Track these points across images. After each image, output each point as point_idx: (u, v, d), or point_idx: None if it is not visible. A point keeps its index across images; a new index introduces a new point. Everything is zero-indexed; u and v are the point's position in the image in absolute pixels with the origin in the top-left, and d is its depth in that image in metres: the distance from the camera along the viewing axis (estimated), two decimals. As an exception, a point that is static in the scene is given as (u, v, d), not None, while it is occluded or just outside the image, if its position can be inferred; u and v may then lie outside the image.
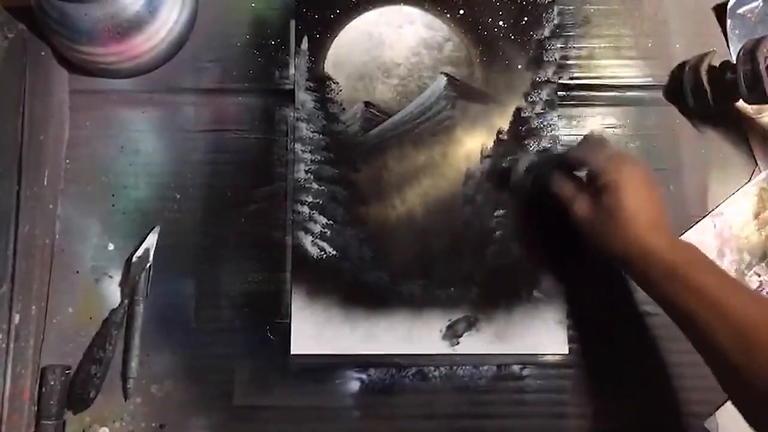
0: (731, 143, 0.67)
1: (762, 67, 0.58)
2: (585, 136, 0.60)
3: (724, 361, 0.49)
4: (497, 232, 0.64)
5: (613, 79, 0.68)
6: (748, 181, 0.66)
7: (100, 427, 0.60)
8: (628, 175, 0.54)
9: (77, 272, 0.63)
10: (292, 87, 0.66)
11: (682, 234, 0.65)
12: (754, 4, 0.68)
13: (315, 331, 0.62)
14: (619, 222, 0.54)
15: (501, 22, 0.67)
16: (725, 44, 0.68)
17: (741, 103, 0.63)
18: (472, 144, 0.66)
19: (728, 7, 0.68)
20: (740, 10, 0.68)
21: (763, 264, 0.65)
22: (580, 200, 0.56)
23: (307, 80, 0.66)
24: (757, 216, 0.66)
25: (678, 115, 0.67)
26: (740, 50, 0.60)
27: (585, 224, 0.56)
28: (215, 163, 0.65)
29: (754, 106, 0.66)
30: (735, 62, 0.61)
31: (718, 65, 0.64)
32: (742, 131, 0.67)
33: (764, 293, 0.64)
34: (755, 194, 0.66)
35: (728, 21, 0.68)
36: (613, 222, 0.54)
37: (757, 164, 0.66)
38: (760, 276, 0.65)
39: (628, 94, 0.68)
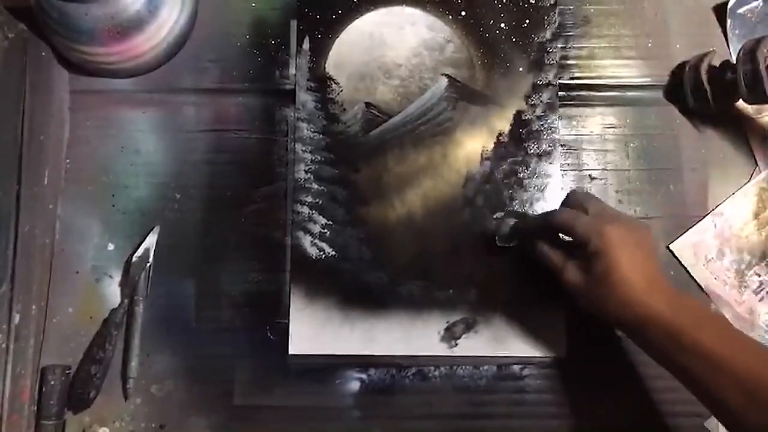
0: (731, 143, 0.67)
1: (762, 67, 0.58)
2: (568, 194, 0.60)
3: (735, 421, 0.48)
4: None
5: (613, 79, 0.68)
6: (748, 181, 0.66)
7: (100, 427, 0.60)
8: (615, 237, 0.52)
9: (77, 272, 0.63)
10: (293, 87, 0.66)
11: (682, 234, 0.65)
12: (754, 4, 0.69)
13: (314, 331, 0.62)
14: (613, 289, 0.52)
15: (503, 24, 0.67)
16: (725, 44, 0.68)
17: (741, 103, 0.63)
18: (473, 146, 0.66)
19: (728, 7, 0.68)
20: (740, 10, 0.68)
21: (763, 264, 0.65)
22: (570, 269, 0.55)
23: (308, 80, 0.66)
24: (757, 216, 0.66)
25: (678, 115, 0.67)
26: (740, 50, 0.60)
27: (577, 293, 0.55)
28: (215, 163, 0.65)
29: (754, 106, 0.66)
30: (735, 62, 0.61)
31: (718, 65, 0.64)
32: (742, 131, 0.67)
33: (764, 293, 0.64)
34: (755, 194, 0.66)
35: (728, 21, 0.68)
36: (606, 289, 0.52)
37: (757, 164, 0.66)
38: (760, 276, 0.65)
39: (628, 94, 0.68)
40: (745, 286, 0.64)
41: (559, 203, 0.60)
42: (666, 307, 0.51)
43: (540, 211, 0.64)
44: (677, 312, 0.51)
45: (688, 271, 0.64)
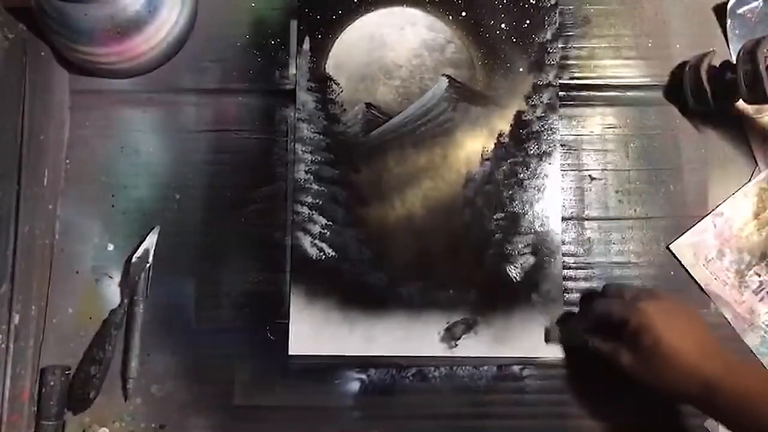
0: (731, 143, 0.67)
1: (762, 67, 0.58)
2: (603, 288, 0.61)
3: None
4: (496, 235, 0.64)
5: (613, 79, 0.68)
6: (748, 181, 0.66)
7: (100, 427, 0.60)
8: (654, 310, 0.54)
9: (77, 272, 0.63)
10: (293, 87, 0.66)
11: (682, 234, 0.65)
12: (754, 4, 0.68)
13: (314, 331, 0.62)
14: (665, 361, 0.53)
15: (503, 25, 0.67)
16: (725, 44, 0.68)
17: (741, 103, 0.63)
18: (473, 146, 0.66)
19: (728, 7, 0.68)
20: (740, 10, 0.68)
21: (763, 264, 0.65)
22: (623, 352, 0.56)
23: (308, 81, 0.66)
24: (757, 216, 0.66)
25: (678, 115, 0.67)
26: (740, 50, 0.60)
27: (636, 373, 0.55)
28: (215, 163, 0.65)
29: (754, 106, 0.66)
30: (735, 62, 0.61)
31: (718, 65, 0.64)
32: (742, 131, 0.67)
33: (764, 293, 0.64)
34: (755, 194, 0.66)
35: (728, 21, 0.68)
36: (659, 362, 0.53)
37: (757, 164, 0.66)
38: (760, 276, 0.65)
39: (628, 94, 0.68)
40: (745, 286, 0.64)
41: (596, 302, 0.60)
42: (721, 369, 0.52)
43: (540, 212, 0.64)
44: (735, 373, 0.52)
45: (688, 271, 0.64)
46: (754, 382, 0.51)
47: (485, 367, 0.63)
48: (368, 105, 0.66)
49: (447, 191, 0.65)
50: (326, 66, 0.66)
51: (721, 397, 0.51)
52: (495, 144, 0.66)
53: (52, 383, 0.59)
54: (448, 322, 0.63)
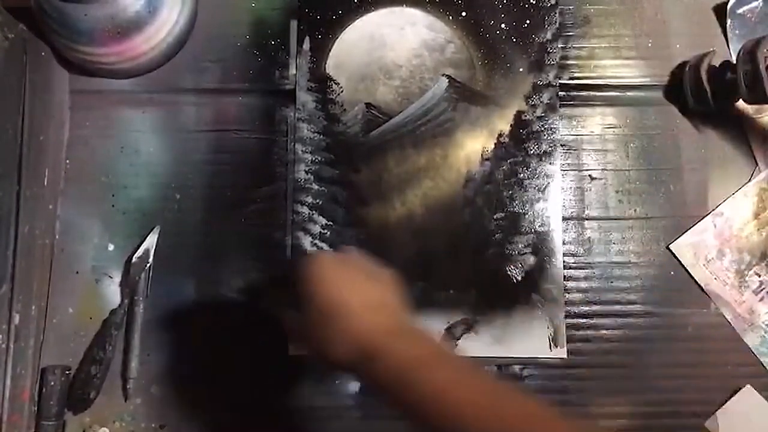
0: (731, 143, 0.67)
1: (762, 67, 0.58)
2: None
3: None
4: (497, 235, 0.64)
5: (613, 79, 0.68)
6: (748, 181, 0.66)
7: (100, 427, 0.60)
8: (319, 262, 0.47)
9: (77, 272, 0.63)
10: (293, 87, 0.66)
11: (682, 234, 0.65)
12: (754, 4, 0.68)
13: (315, 331, 0.62)
14: (323, 316, 0.45)
15: (503, 25, 0.67)
16: (725, 44, 0.68)
17: (741, 103, 0.63)
18: (473, 146, 0.66)
19: (728, 7, 0.68)
20: (740, 10, 0.68)
21: (763, 264, 0.65)
22: (287, 312, 0.50)
23: (308, 81, 0.66)
24: (757, 216, 0.66)
25: (678, 115, 0.67)
26: (740, 50, 0.60)
27: (298, 335, 0.49)
28: (216, 163, 0.65)
29: (754, 106, 0.66)
30: (735, 62, 0.61)
31: (718, 65, 0.64)
32: (742, 131, 0.67)
33: (764, 293, 0.64)
34: (755, 194, 0.66)
35: (728, 21, 0.68)
36: (317, 317, 0.46)
37: (757, 164, 0.66)
38: (760, 276, 0.65)
39: (628, 94, 0.68)
40: (745, 286, 0.64)
41: None
42: (386, 335, 0.44)
43: (540, 212, 0.64)
44: (400, 341, 0.45)
45: (688, 271, 0.64)
46: (419, 350, 0.44)
47: (485, 367, 0.63)
48: (368, 105, 0.66)
49: (447, 191, 0.65)
50: (326, 66, 0.66)
51: (382, 368, 0.43)
52: (495, 144, 0.66)
53: (52, 383, 0.59)
54: (448, 322, 0.63)
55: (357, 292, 0.46)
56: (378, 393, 0.45)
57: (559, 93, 0.67)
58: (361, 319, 0.45)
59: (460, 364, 0.46)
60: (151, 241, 0.63)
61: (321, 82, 0.66)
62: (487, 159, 0.66)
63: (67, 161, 0.64)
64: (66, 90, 0.65)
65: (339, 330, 0.45)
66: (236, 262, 0.64)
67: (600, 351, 0.63)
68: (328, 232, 0.64)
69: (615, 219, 0.65)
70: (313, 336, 0.47)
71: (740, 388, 0.62)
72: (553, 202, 0.65)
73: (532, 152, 0.66)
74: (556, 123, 0.66)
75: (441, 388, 0.42)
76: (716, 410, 0.62)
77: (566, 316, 0.63)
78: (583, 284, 0.64)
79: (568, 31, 0.68)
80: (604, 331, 0.63)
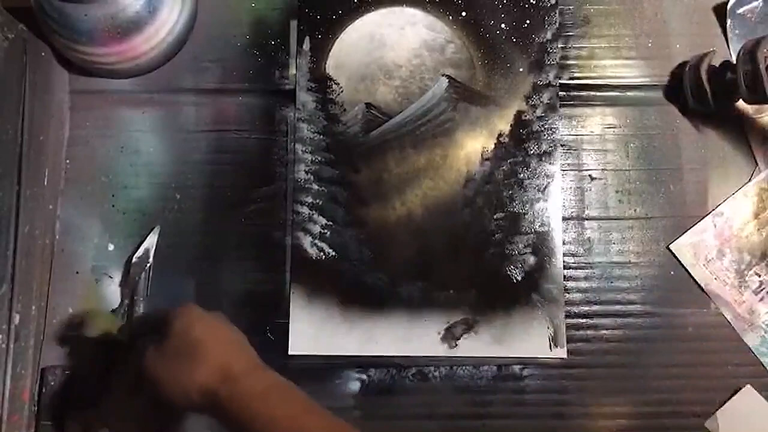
0: (731, 143, 0.67)
1: (762, 67, 0.58)
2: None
3: None
4: (497, 235, 0.64)
5: (613, 79, 0.68)
6: (748, 181, 0.66)
7: (100, 427, 0.60)
8: (188, 312, 0.51)
9: (77, 272, 0.63)
10: (293, 87, 0.66)
11: (682, 234, 0.65)
12: (754, 4, 0.69)
13: (314, 331, 0.62)
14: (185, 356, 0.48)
15: (503, 25, 0.67)
16: (725, 44, 0.68)
17: (741, 103, 0.64)
18: (473, 146, 0.66)
19: (728, 7, 0.68)
20: (740, 10, 0.68)
21: (763, 264, 0.65)
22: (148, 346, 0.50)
23: (308, 81, 0.66)
24: (757, 216, 0.66)
25: (678, 115, 0.67)
26: (740, 50, 0.61)
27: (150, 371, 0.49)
28: (216, 163, 0.65)
29: (754, 106, 0.66)
30: (735, 62, 0.61)
31: (718, 65, 0.64)
32: (742, 131, 0.67)
33: (764, 293, 0.64)
34: (755, 194, 0.66)
35: (728, 21, 0.68)
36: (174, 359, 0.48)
37: (757, 164, 0.66)
38: (760, 276, 0.65)
39: (628, 94, 0.68)
40: (745, 286, 0.64)
41: None
42: (223, 378, 0.47)
43: (540, 212, 0.64)
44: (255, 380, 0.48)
45: (688, 271, 0.64)
46: (263, 385, 0.48)
47: (485, 367, 0.63)
48: (368, 105, 0.66)
49: (447, 191, 0.65)
50: (326, 66, 0.66)
51: (224, 404, 0.46)
52: (495, 144, 0.66)
53: (52, 383, 0.59)
54: (448, 322, 0.63)
55: (214, 333, 0.50)
56: (227, 427, 0.47)
57: (559, 93, 0.67)
58: (216, 353, 0.48)
59: (301, 401, 0.49)
60: (151, 241, 0.63)
61: (321, 82, 0.66)
62: (487, 159, 0.66)
63: (67, 161, 0.64)
64: (66, 90, 0.65)
65: (196, 364, 0.48)
66: (236, 262, 0.64)
67: (600, 351, 0.63)
68: (328, 232, 0.64)
69: (615, 219, 0.66)
70: (169, 372, 0.48)
71: (740, 388, 0.62)
72: (553, 202, 0.65)
73: (532, 152, 0.66)
74: (556, 123, 0.66)
75: (281, 423, 0.46)
76: (716, 410, 0.62)
77: (566, 316, 0.63)
78: (583, 284, 0.64)
79: (568, 31, 0.68)
80: (604, 331, 0.63)
